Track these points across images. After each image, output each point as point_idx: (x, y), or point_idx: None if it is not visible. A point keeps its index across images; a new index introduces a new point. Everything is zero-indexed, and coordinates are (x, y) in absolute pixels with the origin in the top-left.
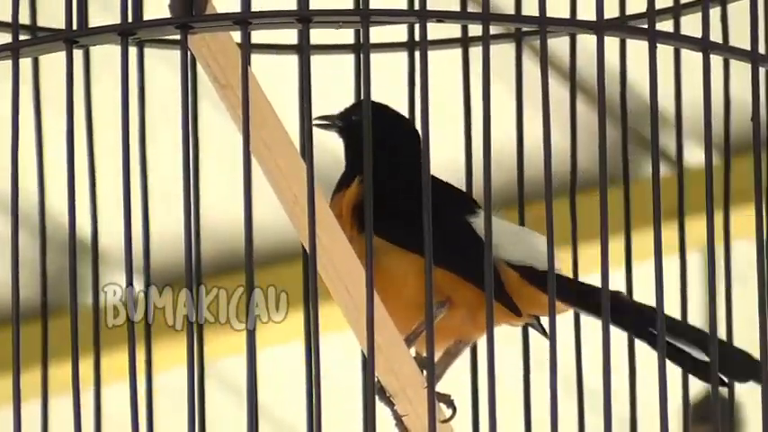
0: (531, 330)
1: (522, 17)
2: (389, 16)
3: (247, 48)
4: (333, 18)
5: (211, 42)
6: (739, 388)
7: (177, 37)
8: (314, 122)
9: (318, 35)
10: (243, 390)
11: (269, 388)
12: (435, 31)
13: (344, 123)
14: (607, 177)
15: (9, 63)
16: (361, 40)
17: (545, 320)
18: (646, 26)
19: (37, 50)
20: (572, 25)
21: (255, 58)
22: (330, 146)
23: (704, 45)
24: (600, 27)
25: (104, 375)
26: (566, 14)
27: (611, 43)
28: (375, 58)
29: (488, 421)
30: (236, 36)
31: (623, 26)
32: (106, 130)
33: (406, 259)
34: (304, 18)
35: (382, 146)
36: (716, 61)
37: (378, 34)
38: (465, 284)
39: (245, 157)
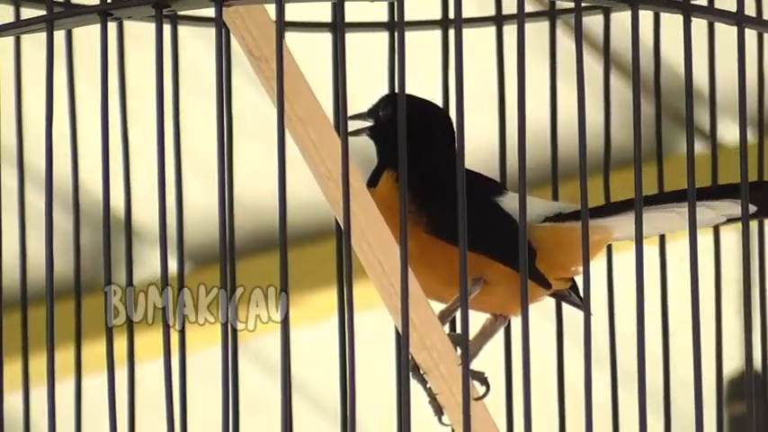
0: (564, 308)
1: None
2: None
3: (281, 21)
4: None
5: (245, 15)
6: None
7: (211, 13)
8: (348, 117)
9: (353, 14)
10: (275, 366)
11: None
12: (469, 8)
13: (373, 119)
14: (641, 154)
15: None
16: (396, 14)
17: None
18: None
19: (71, 23)
20: None
21: (290, 36)
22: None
23: (738, 18)
24: (634, 0)
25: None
26: None
27: (646, 19)
28: (409, 36)
29: (522, 399)
30: (271, 10)
31: None
32: (139, 104)
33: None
34: None
35: (414, 138)
36: (750, 37)
37: (412, 12)
38: (497, 263)
39: (280, 129)
